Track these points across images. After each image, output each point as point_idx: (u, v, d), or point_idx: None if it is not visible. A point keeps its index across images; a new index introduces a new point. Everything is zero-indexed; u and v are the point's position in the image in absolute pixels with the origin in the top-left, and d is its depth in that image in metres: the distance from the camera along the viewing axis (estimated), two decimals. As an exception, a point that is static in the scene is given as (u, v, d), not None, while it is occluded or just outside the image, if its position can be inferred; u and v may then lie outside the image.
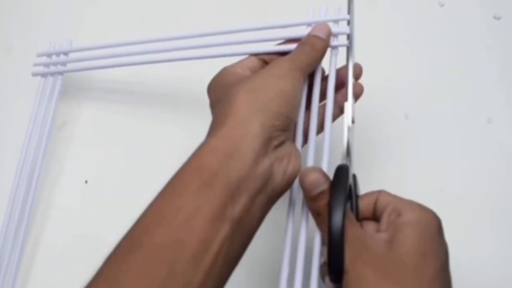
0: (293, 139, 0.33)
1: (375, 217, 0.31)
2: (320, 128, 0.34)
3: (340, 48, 0.36)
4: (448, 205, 0.41)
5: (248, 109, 0.29)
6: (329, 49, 0.36)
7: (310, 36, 0.35)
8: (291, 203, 0.32)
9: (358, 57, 0.50)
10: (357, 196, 0.32)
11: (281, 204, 0.31)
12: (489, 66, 0.47)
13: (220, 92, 0.32)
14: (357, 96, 0.35)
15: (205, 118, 0.46)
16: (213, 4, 0.52)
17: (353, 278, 0.26)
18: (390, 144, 0.44)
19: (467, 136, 0.44)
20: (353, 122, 0.33)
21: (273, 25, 0.37)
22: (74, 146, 0.47)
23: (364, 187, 0.42)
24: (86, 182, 0.45)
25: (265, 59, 0.35)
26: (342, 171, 0.29)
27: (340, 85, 0.35)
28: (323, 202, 0.28)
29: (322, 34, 0.35)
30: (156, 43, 0.40)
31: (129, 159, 0.45)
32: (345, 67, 0.35)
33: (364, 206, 0.31)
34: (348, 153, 0.32)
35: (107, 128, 0.48)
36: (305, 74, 0.33)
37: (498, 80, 0.47)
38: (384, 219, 0.29)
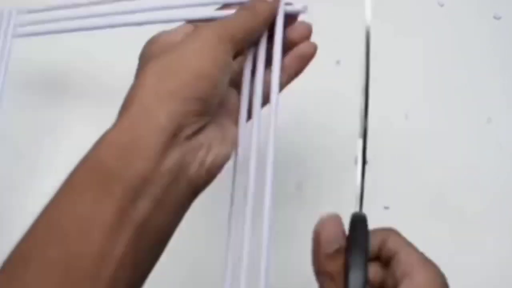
0: (236, 114, 0.29)
1: (380, 259, 0.27)
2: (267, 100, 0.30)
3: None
4: (448, 205, 0.42)
5: (156, 95, 0.25)
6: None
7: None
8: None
9: (357, 57, 0.50)
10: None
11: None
12: (489, 66, 0.47)
13: (140, 64, 0.28)
14: (309, 57, 0.32)
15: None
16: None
17: None
18: (390, 144, 0.44)
19: (467, 136, 0.44)
20: (366, 163, 0.29)
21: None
22: (74, 146, 0.47)
23: (364, 187, 0.42)
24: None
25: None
26: (359, 223, 0.25)
27: (290, 45, 0.31)
28: (340, 261, 0.24)
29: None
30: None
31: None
32: (295, 27, 0.31)
33: (373, 245, 0.27)
34: (361, 200, 0.27)
35: (107, 127, 0.47)
36: (240, 44, 0.28)
37: (498, 80, 0.47)
38: (393, 272, 0.26)
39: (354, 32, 0.51)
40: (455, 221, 0.41)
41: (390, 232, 0.27)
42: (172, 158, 0.24)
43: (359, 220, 0.25)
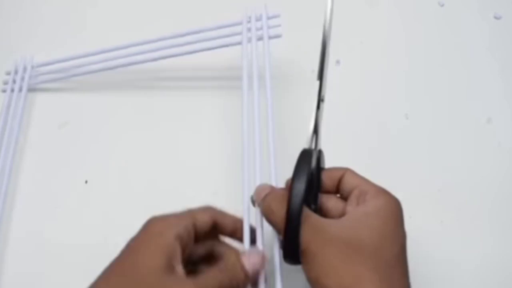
0: None
1: (341, 195, 0.32)
2: None
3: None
4: (448, 205, 0.42)
5: None
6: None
7: (236, 264, 0.30)
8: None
9: (358, 56, 0.51)
10: (321, 169, 0.33)
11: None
12: (489, 66, 0.47)
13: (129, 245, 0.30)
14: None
15: (198, 121, 0.47)
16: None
17: (310, 256, 0.28)
18: (390, 144, 0.44)
19: (467, 136, 0.44)
20: (322, 100, 0.31)
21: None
22: (74, 146, 0.47)
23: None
24: (86, 182, 0.45)
25: (218, 221, 0.32)
26: (304, 156, 0.29)
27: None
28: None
29: (251, 267, 0.30)
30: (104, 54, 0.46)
31: (129, 159, 0.45)
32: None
33: (328, 180, 0.32)
34: (315, 131, 0.31)
35: (107, 128, 0.47)
36: None
37: (498, 80, 0.47)
38: (352, 201, 0.31)
39: (354, 32, 0.51)
40: (455, 221, 0.41)
41: (346, 170, 0.32)
42: None
43: (304, 154, 0.30)
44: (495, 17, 0.50)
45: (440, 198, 0.42)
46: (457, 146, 0.44)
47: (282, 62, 0.45)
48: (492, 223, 0.41)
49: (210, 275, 0.29)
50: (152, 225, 0.30)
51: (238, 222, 0.33)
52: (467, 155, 0.44)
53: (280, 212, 0.29)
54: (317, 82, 0.31)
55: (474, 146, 0.44)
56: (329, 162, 0.44)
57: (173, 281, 0.28)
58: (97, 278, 0.29)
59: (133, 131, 0.47)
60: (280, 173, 0.34)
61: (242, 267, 0.30)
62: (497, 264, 0.39)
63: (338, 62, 0.48)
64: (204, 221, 0.32)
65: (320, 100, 0.31)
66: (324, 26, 0.29)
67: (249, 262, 0.30)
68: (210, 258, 0.33)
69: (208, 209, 0.32)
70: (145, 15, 0.54)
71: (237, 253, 0.30)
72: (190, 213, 0.31)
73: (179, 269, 0.29)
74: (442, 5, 0.51)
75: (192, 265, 0.33)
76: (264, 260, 0.31)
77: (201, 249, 0.33)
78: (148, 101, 0.48)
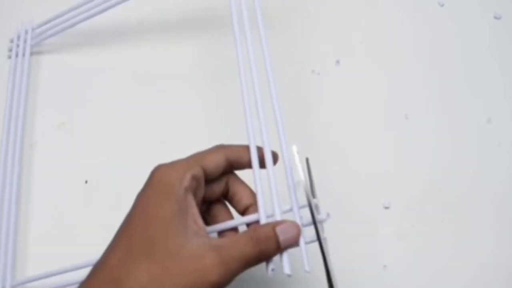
0: None
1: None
2: None
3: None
4: (448, 205, 0.41)
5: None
6: None
7: (269, 233, 0.27)
8: None
9: (358, 57, 0.51)
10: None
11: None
12: (489, 66, 0.47)
13: (140, 195, 0.28)
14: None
15: (206, 116, 0.46)
16: None
17: None
18: (390, 144, 0.44)
19: (467, 136, 0.44)
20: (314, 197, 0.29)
21: None
22: (74, 146, 0.47)
23: (364, 187, 0.42)
24: (86, 182, 0.45)
25: (232, 158, 0.30)
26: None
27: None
28: None
29: (284, 238, 0.27)
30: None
31: (129, 159, 0.45)
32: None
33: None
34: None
35: (107, 128, 0.47)
36: (229, 283, 0.26)
37: (498, 80, 0.47)
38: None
39: (354, 32, 0.51)
40: (455, 221, 0.41)
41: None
42: None
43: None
44: (495, 17, 0.50)
45: (440, 198, 0.42)
46: (457, 146, 0.44)
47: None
48: (492, 223, 0.41)
49: (235, 244, 0.26)
50: (159, 176, 0.28)
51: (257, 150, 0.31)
52: (467, 155, 0.44)
53: None
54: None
55: (474, 146, 0.44)
56: (328, 162, 0.45)
57: (192, 243, 0.26)
58: (109, 243, 0.28)
59: (132, 129, 0.47)
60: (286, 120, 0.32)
61: (277, 241, 0.27)
62: (497, 264, 0.39)
63: (338, 62, 0.48)
64: (215, 162, 0.29)
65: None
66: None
67: (285, 237, 0.27)
68: (225, 194, 0.32)
69: (219, 149, 0.30)
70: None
71: (273, 224, 0.27)
72: (199, 157, 0.29)
73: (197, 222, 0.27)
74: (442, 5, 0.51)
75: (207, 205, 0.31)
76: (299, 234, 0.27)
77: (216, 188, 0.31)
78: (148, 101, 0.48)
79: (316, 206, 0.29)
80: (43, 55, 0.52)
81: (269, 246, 0.27)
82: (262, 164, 0.31)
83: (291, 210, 0.30)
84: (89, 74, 0.50)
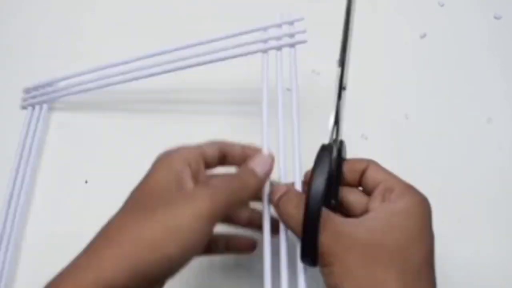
0: None
1: (364, 189, 0.30)
2: None
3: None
4: (448, 205, 0.42)
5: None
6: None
7: (245, 169, 0.30)
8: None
9: (357, 57, 0.50)
10: (342, 161, 0.31)
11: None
12: (489, 66, 0.47)
13: (149, 173, 0.30)
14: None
15: (206, 115, 0.46)
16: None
17: (329, 260, 0.26)
18: (390, 144, 0.44)
19: (467, 136, 0.44)
20: (344, 88, 0.29)
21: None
22: (74, 146, 0.47)
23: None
24: (86, 182, 0.45)
25: (226, 151, 0.32)
26: (323, 153, 0.27)
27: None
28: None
29: (260, 169, 0.30)
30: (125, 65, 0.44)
31: (129, 159, 0.45)
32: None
33: (350, 172, 0.31)
34: (336, 121, 0.29)
35: (107, 128, 0.47)
36: (221, 216, 0.28)
37: (498, 80, 0.47)
38: (376, 198, 0.29)
39: (354, 32, 0.51)
40: (455, 221, 0.41)
41: (369, 162, 0.30)
42: None
43: (324, 149, 0.27)
44: (495, 17, 0.50)
45: (440, 198, 0.42)
46: (457, 146, 0.44)
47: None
48: (492, 223, 0.41)
49: (220, 180, 0.29)
50: (163, 158, 0.31)
51: (247, 149, 0.33)
52: (467, 155, 0.44)
53: (297, 215, 0.27)
54: (338, 69, 0.29)
55: (474, 146, 0.44)
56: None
57: (185, 193, 0.28)
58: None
59: (134, 132, 0.47)
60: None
61: (252, 170, 0.30)
62: (498, 264, 0.39)
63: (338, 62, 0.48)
64: (212, 152, 0.32)
65: (341, 88, 0.29)
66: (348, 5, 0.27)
67: (259, 166, 0.30)
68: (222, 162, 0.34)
69: (215, 142, 0.32)
70: (149, 26, 0.54)
71: (248, 160, 0.31)
72: (199, 146, 0.32)
73: (190, 184, 0.29)
74: (442, 5, 0.51)
75: None
76: (272, 161, 0.31)
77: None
78: (148, 100, 0.48)
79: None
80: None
81: (248, 176, 0.30)
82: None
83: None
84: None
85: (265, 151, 0.32)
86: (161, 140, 0.46)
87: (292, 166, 0.32)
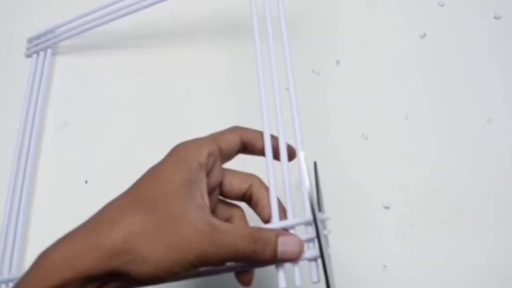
0: None
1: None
2: None
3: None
4: (448, 205, 0.42)
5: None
6: None
7: (270, 239, 0.26)
8: None
9: (357, 57, 0.50)
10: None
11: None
12: (489, 66, 0.47)
13: (162, 163, 0.29)
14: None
15: (208, 117, 0.47)
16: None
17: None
18: (390, 144, 0.44)
19: (467, 136, 0.44)
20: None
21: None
22: (74, 146, 0.47)
23: (364, 187, 0.42)
24: (86, 182, 0.45)
25: (247, 140, 0.31)
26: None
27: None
28: None
29: (283, 249, 0.26)
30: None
31: (129, 159, 0.45)
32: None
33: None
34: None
35: (107, 128, 0.47)
36: (206, 265, 0.26)
37: (498, 80, 0.47)
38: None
39: (354, 32, 0.51)
40: (454, 221, 0.41)
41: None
42: None
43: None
44: (495, 17, 0.50)
45: (440, 198, 0.42)
46: (457, 146, 0.44)
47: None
48: (492, 223, 0.41)
49: (235, 233, 0.26)
50: (178, 148, 0.29)
51: (271, 139, 0.31)
52: (467, 155, 0.44)
53: None
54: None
55: (474, 146, 0.44)
56: (329, 162, 0.45)
57: (193, 214, 0.26)
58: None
59: (134, 128, 0.47)
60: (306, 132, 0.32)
61: (275, 249, 0.26)
62: (497, 264, 0.39)
63: (338, 62, 0.48)
64: (231, 142, 0.30)
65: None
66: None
67: (284, 249, 0.26)
68: (249, 200, 0.31)
69: (235, 129, 0.30)
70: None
71: (278, 232, 0.27)
72: (215, 137, 0.30)
73: (204, 198, 0.27)
74: (442, 5, 0.51)
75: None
76: (301, 252, 0.26)
77: (241, 183, 0.31)
78: (149, 100, 0.48)
79: (323, 221, 0.28)
80: (57, 55, 0.52)
81: (264, 250, 0.26)
82: (276, 156, 0.31)
83: (300, 224, 0.28)
84: (96, 76, 0.50)
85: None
86: (161, 139, 0.47)
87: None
